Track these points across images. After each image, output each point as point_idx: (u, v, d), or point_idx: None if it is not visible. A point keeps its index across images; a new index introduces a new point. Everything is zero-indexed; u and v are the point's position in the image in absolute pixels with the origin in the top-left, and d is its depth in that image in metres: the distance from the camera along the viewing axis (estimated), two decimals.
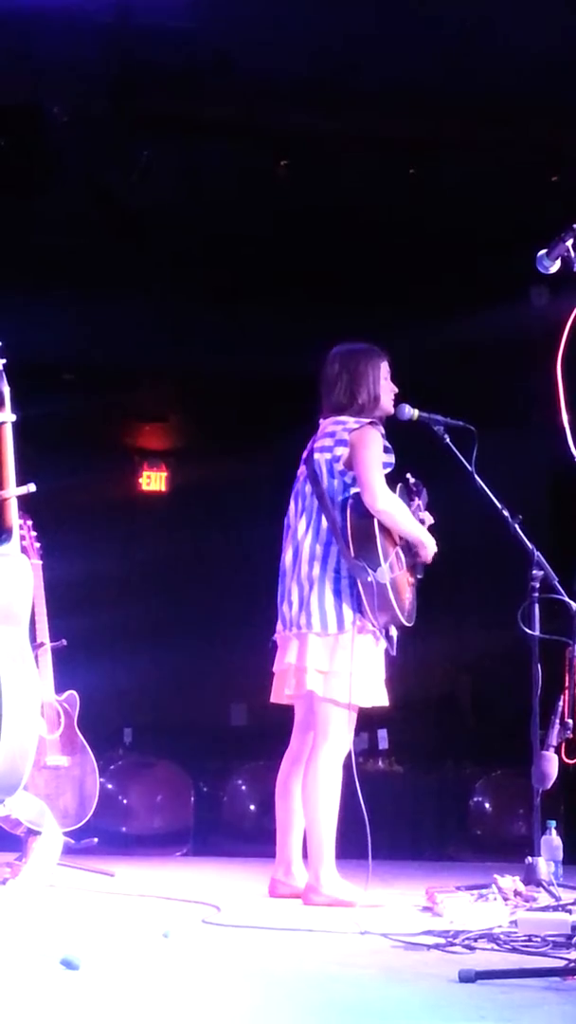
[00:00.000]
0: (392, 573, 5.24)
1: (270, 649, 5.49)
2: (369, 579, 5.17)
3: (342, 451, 5.31)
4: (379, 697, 5.37)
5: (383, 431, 5.37)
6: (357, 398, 5.41)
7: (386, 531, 5.28)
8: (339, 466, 5.32)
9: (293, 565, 5.38)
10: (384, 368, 5.48)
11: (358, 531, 5.23)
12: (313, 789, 5.24)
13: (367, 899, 5.06)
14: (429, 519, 5.61)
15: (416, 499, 5.63)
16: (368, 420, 5.35)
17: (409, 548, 5.44)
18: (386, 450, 5.35)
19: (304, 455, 5.45)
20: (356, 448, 5.29)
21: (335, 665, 5.23)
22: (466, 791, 8.63)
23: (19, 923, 4.53)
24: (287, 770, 5.49)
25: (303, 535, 5.36)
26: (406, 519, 5.35)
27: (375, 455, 5.27)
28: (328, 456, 5.34)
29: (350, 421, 5.36)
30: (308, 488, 5.39)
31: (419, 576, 5.56)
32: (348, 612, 5.23)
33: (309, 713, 5.37)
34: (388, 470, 5.36)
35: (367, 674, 5.28)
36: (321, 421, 5.47)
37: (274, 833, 5.53)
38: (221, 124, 7.67)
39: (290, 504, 5.48)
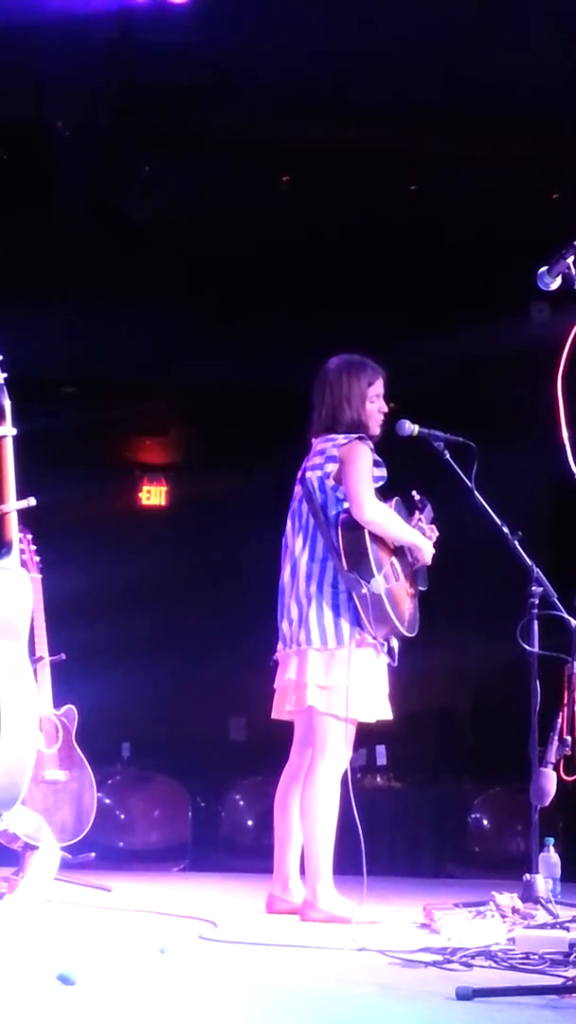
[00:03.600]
0: (387, 584, 5.25)
1: (272, 668, 5.50)
2: (364, 591, 5.18)
3: (332, 467, 5.34)
4: (381, 711, 5.38)
5: (371, 445, 5.38)
6: (340, 420, 5.43)
7: (379, 542, 5.30)
8: (330, 482, 5.35)
9: (291, 583, 5.40)
10: (375, 390, 5.48)
11: (349, 544, 5.25)
12: (311, 805, 5.24)
13: (364, 915, 5.06)
14: (433, 534, 5.62)
15: (418, 513, 5.64)
16: (356, 435, 5.37)
17: (405, 556, 5.44)
18: (377, 464, 5.37)
19: (299, 475, 5.48)
20: (344, 463, 5.32)
21: (335, 680, 5.23)
22: (464, 808, 8.62)
23: (16, 938, 4.52)
24: (286, 786, 5.48)
25: (300, 553, 5.38)
26: (396, 526, 5.37)
27: (362, 468, 5.29)
28: (320, 474, 5.37)
29: (339, 438, 5.39)
30: (304, 507, 5.42)
31: (421, 587, 5.56)
32: (346, 626, 5.24)
33: (308, 729, 5.36)
34: (380, 483, 5.39)
35: (368, 688, 5.28)
36: (313, 440, 5.50)
37: (272, 849, 5.53)
38: (222, 139, 7.69)
39: (287, 523, 5.50)
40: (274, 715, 5.51)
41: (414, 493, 5.68)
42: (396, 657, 5.39)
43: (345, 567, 5.24)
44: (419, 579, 5.55)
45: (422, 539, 5.48)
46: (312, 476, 5.39)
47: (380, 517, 5.28)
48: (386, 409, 5.51)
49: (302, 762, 5.41)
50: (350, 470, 5.30)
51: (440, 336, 8.36)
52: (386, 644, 5.33)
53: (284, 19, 6.80)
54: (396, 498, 5.55)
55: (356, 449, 5.33)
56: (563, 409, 4.04)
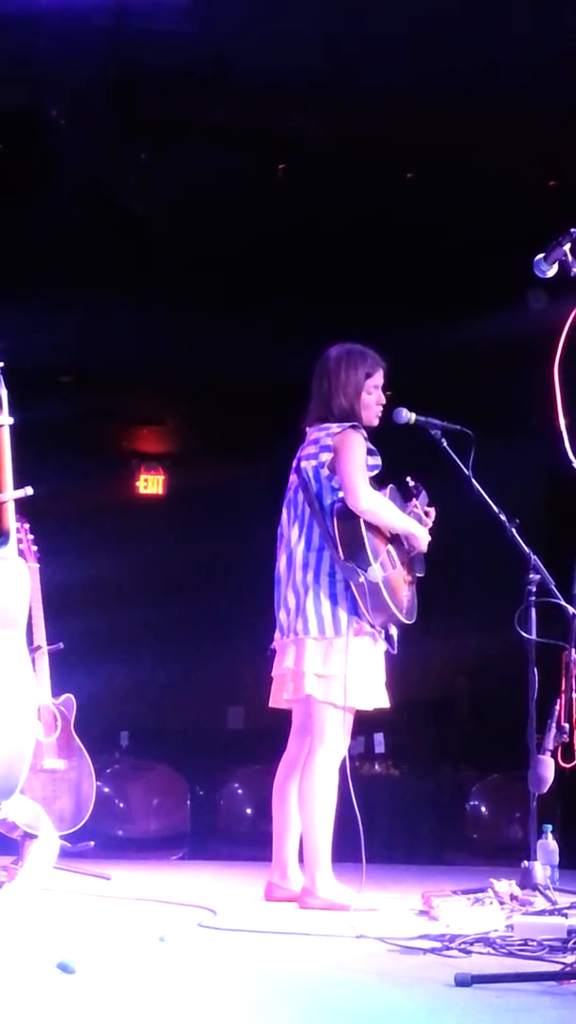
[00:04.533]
0: (384, 572, 5.26)
1: (269, 657, 5.50)
2: (360, 580, 5.19)
3: (327, 456, 5.35)
4: (379, 699, 5.39)
5: (365, 434, 5.38)
6: (333, 409, 5.44)
7: (375, 530, 5.31)
8: (325, 471, 5.35)
9: (287, 572, 5.41)
10: (374, 381, 5.48)
11: (345, 533, 5.26)
12: (310, 793, 5.25)
13: (363, 903, 5.07)
14: (429, 520, 5.62)
15: (414, 500, 5.64)
16: (350, 424, 5.37)
17: (401, 544, 5.45)
18: (371, 452, 5.38)
19: (294, 464, 5.48)
20: (338, 451, 5.33)
21: (333, 668, 5.24)
22: (463, 795, 8.63)
23: (15, 927, 4.53)
24: (284, 774, 5.49)
25: (296, 542, 5.39)
26: (391, 514, 5.38)
27: (356, 457, 5.30)
28: (315, 463, 5.38)
29: (333, 427, 5.39)
30: (299, 496, 5.43)
31: (418, 573, 5.57)
32: (343, 615, 5.25)
33: (307, 717, 5.37)
34: (375, 472, 5.40)
35: (366, 676, 5.30)
36: (308, 429, 5.50)
37: (270, 837, 5.54)
38: (220, 128, 7.67)
39: (282, 513, 5.51)
40: (272, 704, 5.52)
41: (409, 480, 5.68)
42: (396, 645, 5.39)
43: (341, 556, 5.24)
44: (416, 566, 5.56)
45: (417, 526, 5.49)
46: (307, 465, 5.40)
47: (375, 505, 5.29)
48: (383, 401, 5.51)
49: (300, 751, 5.42)
50: (344, 459, 5.30)
51: (437, 324, 8.36)
52: (383, 632, 5.34)
53: (281, 8, 6.78)
54: (391, 486, 5.56)
55: (349, 437, 5.33)
56: (560, 397, 4.04)
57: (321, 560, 5.32)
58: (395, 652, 5.42)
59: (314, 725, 5.32)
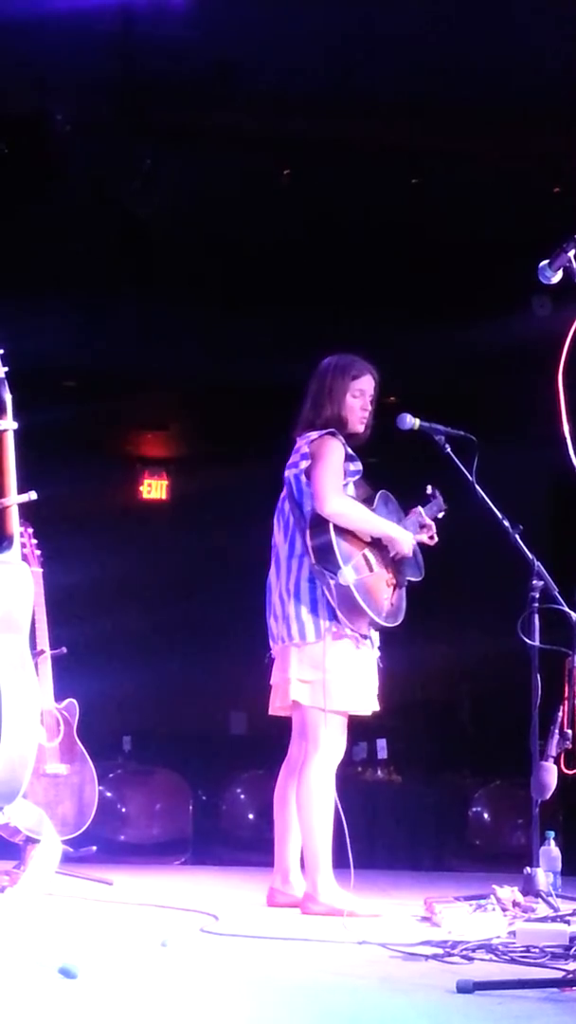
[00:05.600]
0: (359, 575, 5.27)
1: (268, 665, 5.53)
2: (332, 583, 5.20)
3: (306, 464, 5.39)
4: (365, 703, 5.39)
5: (343, 440, 5.39)
6: (320, 416, 5.46)
7: (348, 534, 5.31)
8: (304, 478, 5.39)
9: (276, 580, 5.46)
10: (359, 385, 5.50)
11: (315, 537, 5.29)
12: (307, 798, 5.26)
13: (364, 908, 5.07)
14: (428, 529, 5.61)
15: (419, 508, 5.63)
16: (327, 430, 5.39)
17: (384, 547, 5.44)
18: (350, 458, 5.40)
19: (284, 473, 5.51)
20: (313, 458, 5.37)
21: (314, 673, 5.28)
22: (465, 801, 8.63)
23: (17, 931, 4.53)
24: (284, 779, 5.51)
25: (282, 550, 5.45)
26: (363, 518, 5.37)
27: (328, 462, 5.32)
28: (296, 471, 5.43)
29: (312, 434, 5.42)
30: (286, 505, 5.47)
31: (412, 577, 5.55)
32: (323, 620, 5.27)
33: (301, 723, 5.39)
34: (355, 478, 5.43)
35: (349, 680, 5.31)
36: (296, 438, 5.52)
37: (273, 842, 5.54)
38: (224, 132, 7.68)
39: (274, 521, 5.54)
40: (271, 711, 5.55)
41: (428, 488, 5.69)
42: (374, 645, 5.41)
43: (313, 561, 5.27)
44: (405, 569, 5.53)
45: (397, 531, 5.47)
46: (290, 474, 5.46)
47: (342, 509, 5.29)
48: (369, 407, 5.52)
49: (299, 756, 5.43)
50: (316, 464, 5.34)
51: (441, 330, 8.36)
52: (366, 636, 5.34)
53: (285, 13, 6.78)
54: (382, 492, 5.58)
55: (325, 444, 5.37)
56: (564, 403, 4.04)
57: (302, 567, 5.36)
58: (379, 656, 5.44)
59: (307, 731, 5.34)
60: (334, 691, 5.26)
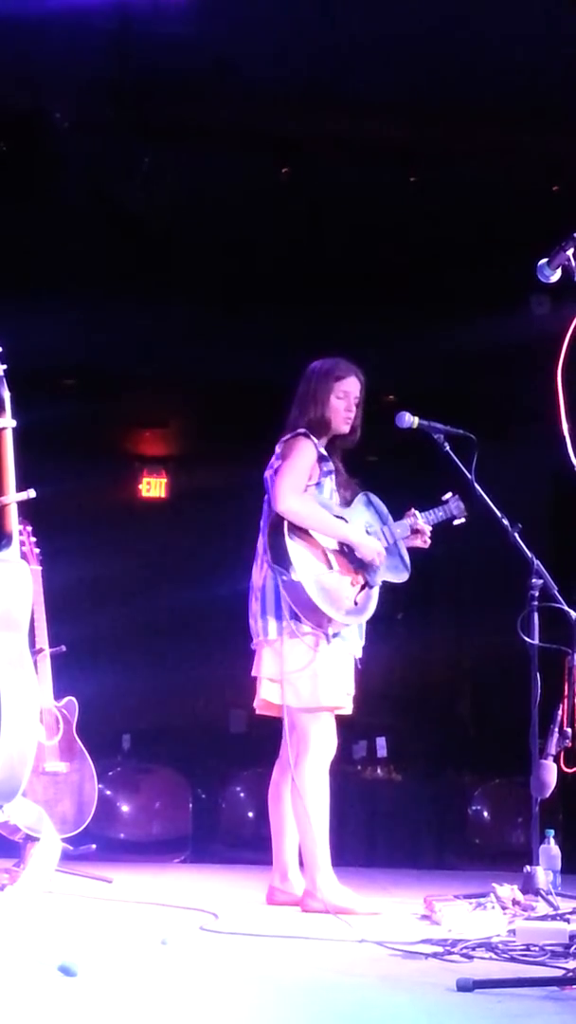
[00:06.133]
0: (315, 573, 5.28)
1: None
2: (284, 579, 5.24)
3: (279, 464, 5.40)
4: (333, 699, 5.38)
5: (315, 441, 5.41)
6: (304, 417, 5.48)
7: (307, 533, 5.32)
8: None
9: (253, 579, 5.48)
10: (343, 387, 5.50)
11: (271, 536, 5.34)
12: (299, 797, 5.27)
13: (364, 906, 5.08)
14: (419, 535, 5.60)
15: (415, 512, 5.61)
16: (301, 431, 5.41)
17: (349, 549, 5.42)
18: (323, 459, 5.43)
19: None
20: (282, 458, 5.39)
21: (277, 671, 5.32)
22: (465, 799, 8.62)
23: (17, 930, 4.52)
24: (278, 777, 5.52)
25: (259, 549, 5.47)
26: (318, 518, 5.37)
27: (292, 462, 5.35)
28: (270, 472, 5.44)
29: (288, 436, 5.44)
30: (265, 507, 5.48)
31: (388, 578, 5.54)
32: (285, 618, 5.30)
33: (288, 722, 5.40)
34: (326, 478, 5.44)
35: (311, 677, 5.30)
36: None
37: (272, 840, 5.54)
38: (222, 130, 7.67)
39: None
40: (257, 711, 5.58)
41: (448, 494, 5.70)
42: (350, 642, 5.40)
43: (269, 558, 5.32)
44: (377, 569, 5.50)
45: (356, 536, 5.44)
46: (268, 475, 5.47)
47: (296, 507, 5.30)
48: (354, 409, 5.53)
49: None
50: (283, 463, 5.37)
51: (440, 328, 8.35)
52: (331, 633, 5.32)
53: (283, 10, 6.78)
54: (363, 493, 5.59)
55: (293, 444, 5.40)
56: (563, 401, 4.03)
57: (264, 565, 5.39)
58: (358, 655, 5.46)
59: (290, 730, 5.35)
60: (301, 688, 5.29)
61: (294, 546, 5.27)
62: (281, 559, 5.27)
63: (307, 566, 5.27)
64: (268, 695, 5.37)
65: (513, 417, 8.67)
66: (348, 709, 5.50)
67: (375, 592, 5.50)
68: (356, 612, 5.42)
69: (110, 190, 7.92)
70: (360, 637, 5.51)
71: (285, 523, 5.29)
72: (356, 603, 5.40)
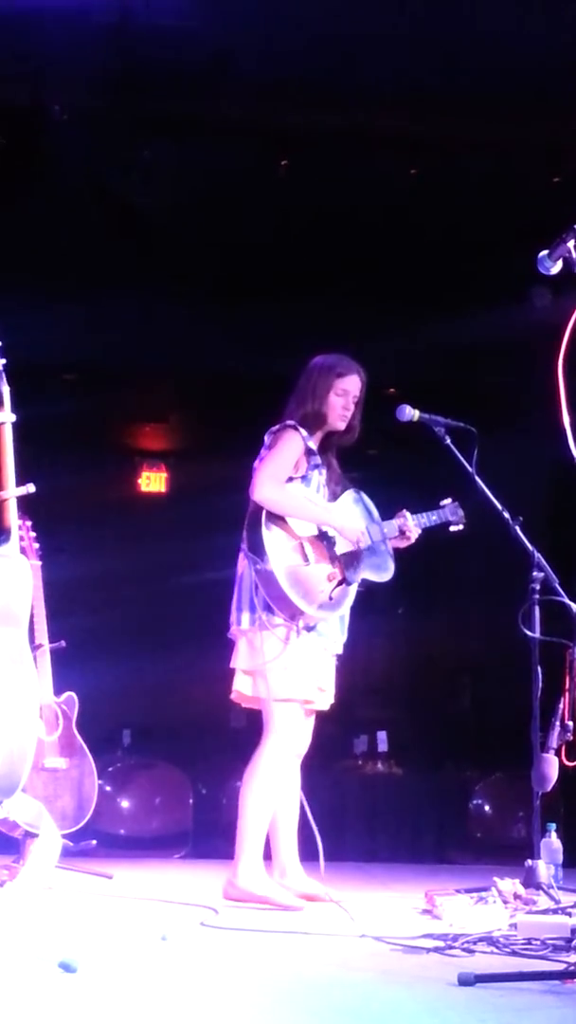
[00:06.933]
0: (290, 563, 5.26)
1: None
2: (258, 567, 5.24)
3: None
4: (300, 691, 5.36)
5: (304, 434, 5.40)
6: (300, 411, 5.48)
7: (285, 523, 5.31)
8: None
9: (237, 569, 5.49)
10: (343, 384, 5.49)
11: (249, 523, 5.35)
12: (247, 782, 5.33)
13: (285, 899, 5.05)
14: (407, 536, 5.57)
15: (404, 513, 5.58)
16: (288, 423, 5.40)
17: (329, 540, 5.40)
18: (310, 452, 5.42)
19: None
20: (268, 448, 5.40)
21: (250, 663, 5.34)
22: (466, 793, 8.62)
23: (17, 926, 4.52)
24: None
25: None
26: (296, 506, 5.36)
27: (277, 452, 5.36)
28: (258, 462, 5.44)
29: (276, 427, 5.45)
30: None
31: (368, 576, 5.50)
32: (257, 610, 5.30)
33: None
34: (313, 471, 5.43)
35: (284, 669, 5.29)
36: None
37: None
38: (222, 123, 7.66)
39: None
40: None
41: (447, 500, 5.68)
42: (329, 636, 5.40)
43: (245, 546, 5.32)
44: (359, 567, 5.46)
45: (338, 519, 5.42)
46: (255, 465, 5.46)
47: (273, 496, 5.30)
48: (352, 407, 5.52)
49: None
50: (267, 454, 5.37)
51: (440, 321, 8.34)
52: (304, 626, 5.30)
53: (282, 3, 6.77)
54: (351, 490, 5.57)
55: (281, 435, 5.41)
56: (564, 394, 4.02)
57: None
58: (337, 651, 5.46)
59: (264, 720, 5.36)
60: (270, 680, 5.27)
61: (269, 536, 5.26)
62: (256, 548, 5.27)
63: (281, 556, 5.24)
64: (240, 686, 5.38)
65: (514, 410, 8.64)
66: (321, 705, 5.48)
67: (352, 589, 5.46)
68: (330, 607, 5.36)
69: (109, 183, 7.91)
70: (341, 633, 5.47)
71: (264, 512, 5.29)
72: (331, 598, 5.35)
